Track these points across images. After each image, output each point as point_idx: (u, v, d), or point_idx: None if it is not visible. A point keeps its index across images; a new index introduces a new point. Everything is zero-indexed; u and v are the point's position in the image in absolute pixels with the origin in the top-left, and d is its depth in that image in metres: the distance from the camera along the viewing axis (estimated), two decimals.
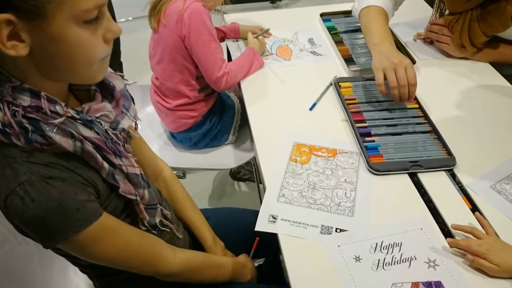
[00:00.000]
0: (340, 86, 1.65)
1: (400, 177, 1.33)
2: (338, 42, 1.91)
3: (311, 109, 1.58)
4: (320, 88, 1.66)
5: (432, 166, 1.34)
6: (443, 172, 1.34)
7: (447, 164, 1.35)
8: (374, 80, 1.50)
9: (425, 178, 1.33)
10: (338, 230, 1.19)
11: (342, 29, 2.00)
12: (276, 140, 1.46)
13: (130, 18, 4.08)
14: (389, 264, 1.11)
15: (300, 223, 1.21)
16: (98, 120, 0.91)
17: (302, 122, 1.53)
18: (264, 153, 1.43)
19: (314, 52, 1.89)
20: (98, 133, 0.90)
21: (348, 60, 1.79)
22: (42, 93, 0.82)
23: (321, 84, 1.68)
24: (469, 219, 1.21)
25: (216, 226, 1.39)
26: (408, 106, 1.55)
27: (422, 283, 1.07)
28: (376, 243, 1.15)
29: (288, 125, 1.52)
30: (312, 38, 1.97)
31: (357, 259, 1.12)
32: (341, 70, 1.77)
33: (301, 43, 1.95)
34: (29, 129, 0.81)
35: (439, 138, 1.43)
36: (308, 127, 1.51)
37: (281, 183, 1.32)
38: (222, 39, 2.01)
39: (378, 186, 1.31)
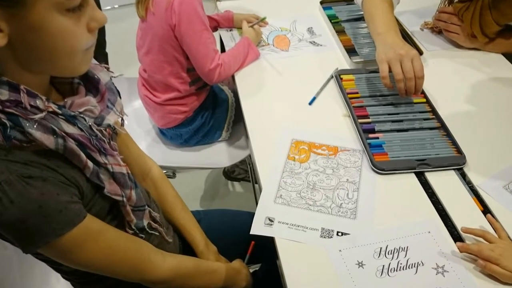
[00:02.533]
0: (341, 78, 1.65)
1: (406, 177, 1.34)
2: (340, 32, 1.91)
3: (310, 103, 1.59)
4: (320, 81, 1.67)
5: (441, 165, 1.35)
6: (453, 172, 1.35)
7: (457, 162, 1.35)
8: (378, 72, 1.50)
9: (433, 177, 1.33)
10: (340, 234, 1.19)
11: (344, 17, 2.00)
12: (273, 137, 1.46)
13: (116, 6, 4.07)
14: (394, 270, 1.11)
15: (298, 226, 1.21)
16: (82, 115, 0.91)
17: (301, 118, 1.53)
18: (260, 151, 1.43)
19: (314, 42, 1.89)
20: (81, 130, 0.89)
21: (351, 51, 1.80)
22: (22, 87, 0.82)
23: (322, 77, 1.69)
24: (480, 222, 1.21)
25: (209, 229, 1.39)
26: (415, 101, 1.55)
27: None
28: (381, 248, 1.16)
29: (286, 121, 1.52)
30: (311, 28, 1.97)
31: (360, 264, 1.13)
32: (343, 61, 1.78)
33: (300, 32, 1.95)
34: (8, 125, 0.80)
35: (448, 134, 1.43)
36: (308, 123, 1.52)
37: (278, 183, 1.32)
38: (215, 29, 2.01)
39: (382, 186, 1.31)
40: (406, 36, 1.83)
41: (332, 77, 1.68)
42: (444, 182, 1.32)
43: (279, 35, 1.94)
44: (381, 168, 1.33)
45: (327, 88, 1.65)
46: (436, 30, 1.91)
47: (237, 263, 1.35)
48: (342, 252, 1.15)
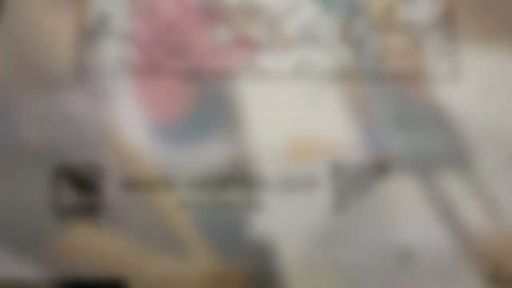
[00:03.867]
0: None
1: (409, 177, 1.33)
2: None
3: (310, 101, 1.58)
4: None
5: (446, 164, 1.35)
6: (459, 171, 1.34)
7: (463, 162, 1.35)
8: None
9: (438, 177, 1.33)
10: None
11: None
12: (270, 135, 1.46)
13: None
14: (397, 274, 1.11)
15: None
16: None
17: (300, 116, 1.53)
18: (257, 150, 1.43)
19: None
20: None
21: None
22: None
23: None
24: (489, 224, 1.21)
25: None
26: None
27: None
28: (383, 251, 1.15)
29: (285, 119, 1.52)
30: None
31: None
32: None
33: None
34: None
35: (453, 133, 1.43)
36: (307, 120, 1.51)
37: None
38: None
39: (384, 187, 1.31)
40: None
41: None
42: (450, 182, 1.32)
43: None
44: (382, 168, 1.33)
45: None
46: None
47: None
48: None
